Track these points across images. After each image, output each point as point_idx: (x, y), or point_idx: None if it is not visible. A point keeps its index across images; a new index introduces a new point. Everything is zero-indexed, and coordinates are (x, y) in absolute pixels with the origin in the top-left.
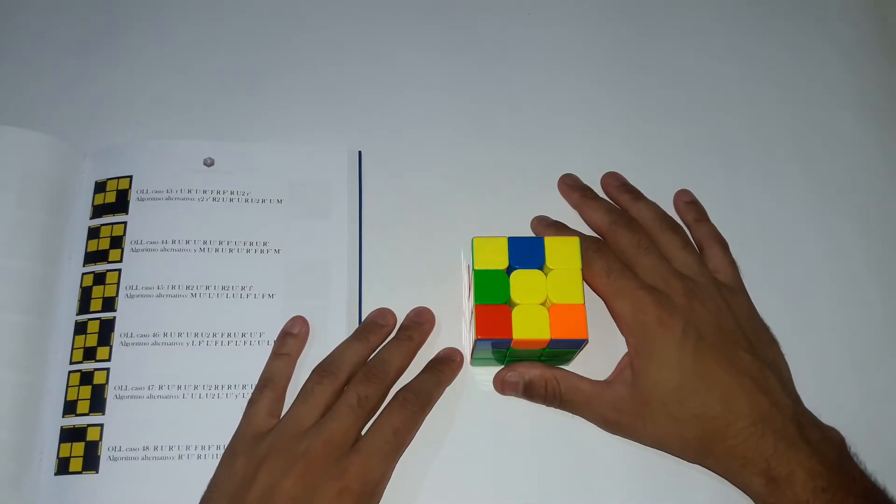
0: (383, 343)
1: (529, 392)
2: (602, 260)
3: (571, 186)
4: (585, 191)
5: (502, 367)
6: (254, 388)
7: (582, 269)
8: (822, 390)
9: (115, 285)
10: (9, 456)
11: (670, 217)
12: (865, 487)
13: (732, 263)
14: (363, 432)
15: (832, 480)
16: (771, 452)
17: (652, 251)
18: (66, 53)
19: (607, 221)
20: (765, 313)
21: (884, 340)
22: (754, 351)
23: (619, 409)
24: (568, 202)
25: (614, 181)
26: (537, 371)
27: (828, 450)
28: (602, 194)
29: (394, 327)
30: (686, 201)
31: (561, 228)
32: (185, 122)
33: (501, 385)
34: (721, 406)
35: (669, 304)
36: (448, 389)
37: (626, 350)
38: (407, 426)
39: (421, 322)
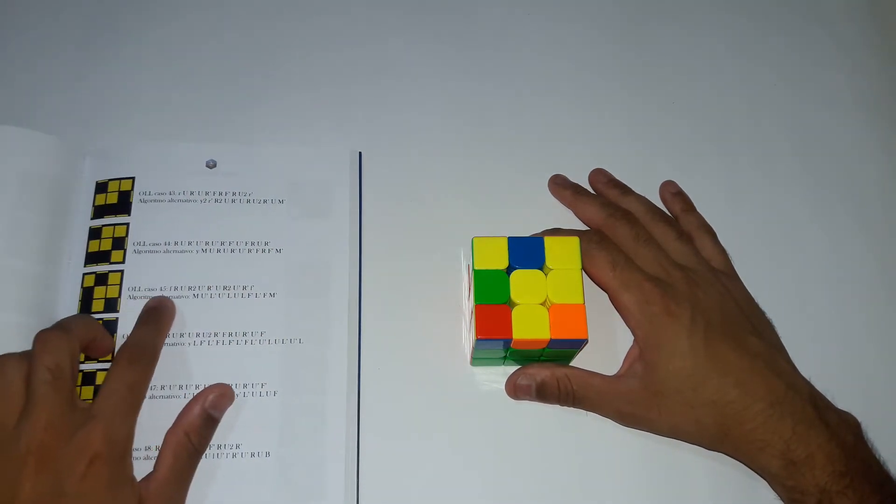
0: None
1: (543, 393)
2: (606, 253)
3: (562, 185)
4: (577, 188)
5: (501, 367)
6: (246, 387)
7: (584, 263)
8: (821, 390)
9: (118, 286)
10: None
11: (661, 209)
12: (880, 476)
13: (723, 251)
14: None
15: (849, 465)
16: (790, 435)
17: (651, 243)
18: (67, 53)
19: (604, 215)
20: (764, 310)
21: (884, 340)
22: (759, 334)
23: (634, 402)
24: (560, 201)
25: (602, 177)
26: (548, 371)
27: (845, 433)
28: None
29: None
30: (672, 192)
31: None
32: (187, 124)
33: (514, 390)
34: (737, 390)
35: (675, 293)
36: (448, 389)
37: (630, 346)
38: (141, 380)
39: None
